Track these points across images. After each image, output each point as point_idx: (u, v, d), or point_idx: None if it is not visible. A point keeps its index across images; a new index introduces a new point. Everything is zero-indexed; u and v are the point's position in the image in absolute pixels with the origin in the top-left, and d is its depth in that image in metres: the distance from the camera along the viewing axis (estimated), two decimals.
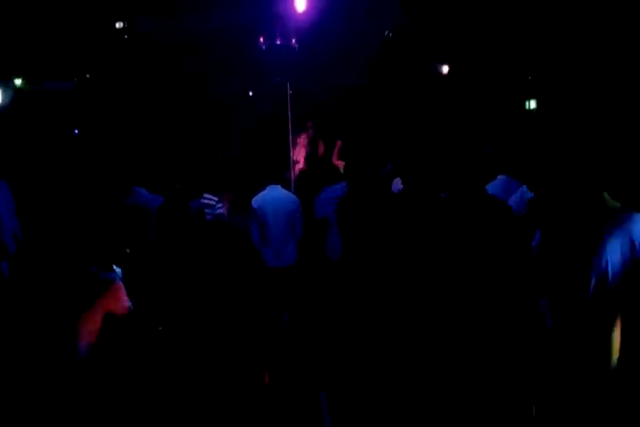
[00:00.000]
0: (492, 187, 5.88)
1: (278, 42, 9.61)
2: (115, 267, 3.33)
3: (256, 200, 5.55)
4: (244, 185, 6.84)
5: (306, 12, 9.20)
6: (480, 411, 3.25)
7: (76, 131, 10.29)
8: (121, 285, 3.21)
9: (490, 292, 3.31)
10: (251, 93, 11.03)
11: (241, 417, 3.44)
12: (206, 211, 5.54)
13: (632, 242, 2.76)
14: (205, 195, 5.69)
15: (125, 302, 3.21)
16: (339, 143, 8.35)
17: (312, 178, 7.22)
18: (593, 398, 2.75)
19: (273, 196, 5.59)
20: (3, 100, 8.77)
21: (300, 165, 8.95)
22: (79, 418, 2.79)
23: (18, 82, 9.38)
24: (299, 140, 9.12)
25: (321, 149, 8.90)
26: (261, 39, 9.58)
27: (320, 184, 6.29)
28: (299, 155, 9.04)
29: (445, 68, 10.45)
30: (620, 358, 2.73)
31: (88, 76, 10.15)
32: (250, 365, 3.82)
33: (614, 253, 2.76)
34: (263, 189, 5.66)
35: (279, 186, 5.69)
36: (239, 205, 5.91)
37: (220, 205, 5.74)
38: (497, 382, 3.25)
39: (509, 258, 3.32)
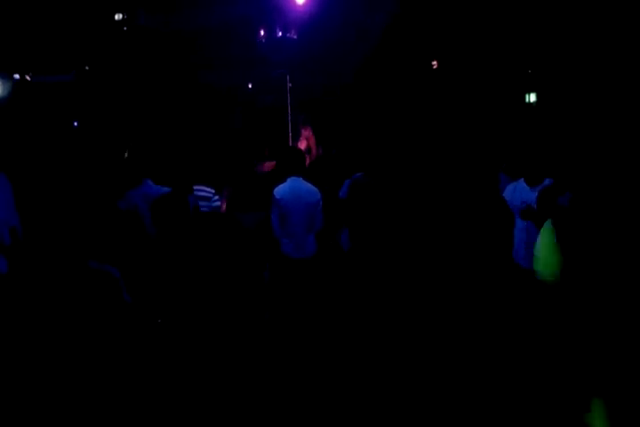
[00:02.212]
0: None
1: (278, 34, 9.59)
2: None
3: (278, 191, 5.52)
4: (247, 179, 6.82)
5: (305, 5, 9.18)
6: None
7: (76, 123, 10.27)
8: (120, 278, 3.23)
9: None
10: (250, 86, 11.01)
11: (241, 410, 3.47)
12: (202, 203, 5.54)
13: None
14: (202, 187, 5.69)
15: (124, 295, 3.24)
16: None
17: (326, 168, 7.23)
18: None
19: (295, 187, 5.57)
20: (2, 92, 8.75)
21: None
22: (82, 411, 2.81)
23: (16, 75, 9.36)
24: (303, 132, 9.11)
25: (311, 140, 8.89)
26: (261, 32, 9.55)
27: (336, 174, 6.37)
28: (301, 146, 9.04)
29: (445, 61, 10.41)
30: None
31: (87, 68, 10.12)
32: (250, 358, 3.85)
33: None
34: (284, 180, 5.63)
35: (300, 178, 5.66)
36: (241, 200, 5.91)
37: (216, 197, 5.74)
38: None
39: None
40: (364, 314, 4.88)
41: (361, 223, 5.46)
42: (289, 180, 5.59)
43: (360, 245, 5.39)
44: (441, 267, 4.55)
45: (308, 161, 8.86)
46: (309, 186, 5.74)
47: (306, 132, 9.01)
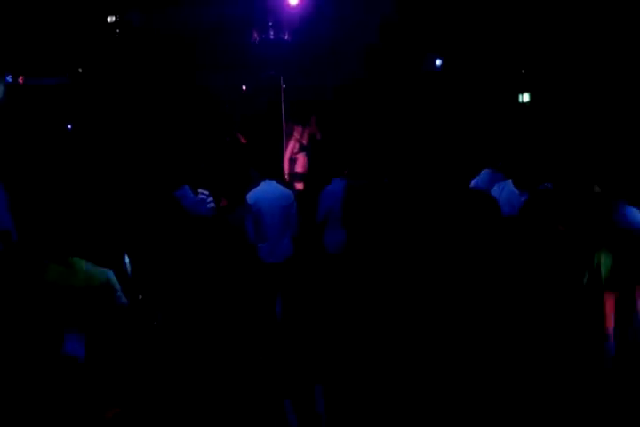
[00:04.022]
0: (478, 181, 5.95)
1: (271, 36, 9.59)
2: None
3: (251, 196, 5.52)
4: (241, 181, 6.85)
5: (298, 6, 9.19)
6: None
7: (69, 126, 10.24)
8: (115, 280, 3.22)
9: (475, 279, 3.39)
10: (244, 88, 10.99)
11: (237, 411, 3.46)
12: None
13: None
14: (198, 190, 5.72)
15: (120, 297, 3.23)
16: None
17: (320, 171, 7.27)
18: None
19: (268, 191, 5.56)
20: None
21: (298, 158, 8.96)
22: (80, 410, 2.80)
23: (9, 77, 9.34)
24: (294, 132, 9.11)
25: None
26: (254, 33, 9.55)
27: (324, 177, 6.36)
28: (294, 148, 9.05)
29: (439, 62, 10.43)
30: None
31: (80, 70, 10.09)
32: (245, 358, 3.84)
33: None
34: (258, 184, 5.63)
35: (274, 181, 5.65)
36: (236, 201, 5.93)
37: (210, 199, 5.76)
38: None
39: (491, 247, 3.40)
40: (357, 317, 4.86)
41: (359, 227, 5.44)
42: (262, 183, 5.59)
43: (357, 248, 5.37)
44: (440, 270, 4.52)
45: (305, 160, 8.88)
46: (282, 189, 5.74)
47: (297, 132, 9.02)
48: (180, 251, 4.65)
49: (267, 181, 5.61)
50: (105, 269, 3.24)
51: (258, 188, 5.58)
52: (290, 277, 5.60)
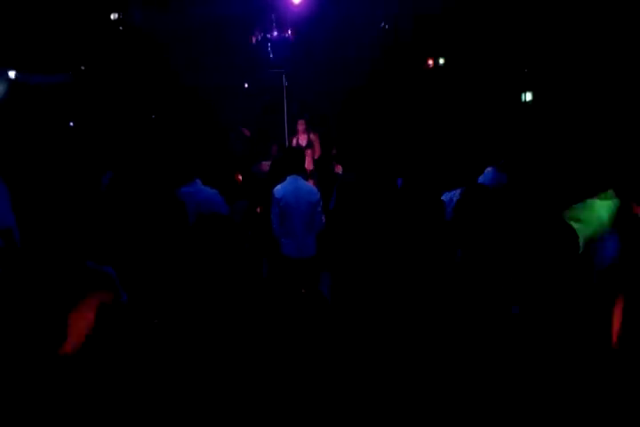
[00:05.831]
0: (483, 179, 5.98)
1: (274, 34, 9.60)
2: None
3: (278, 190, 5.45)
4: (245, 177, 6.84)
5: (301, 5, 9.20)
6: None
7: (72, 123, 10.25)
8: (115, 278, 3.23)
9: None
10: (246, 85, 11.01)
11: (238, 412, 3.46)
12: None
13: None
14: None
15: (120, 295, 3.24)
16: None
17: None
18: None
19: (295, 186, 5.49)
20: None
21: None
22: (72, 411, 2.80)
23: (12, 74, 9.35)
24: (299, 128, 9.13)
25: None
26: (257, 31, 9.56)
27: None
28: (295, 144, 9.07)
29: (442, 61, 10.44)
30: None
31: (83, 68, 10.10)
32: (246, 357, 3.84)
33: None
34: (284, 179, 5.58)
35: (300, 177, 5.60)
36: (238, 195, 5.93)
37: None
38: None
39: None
40: (361, 317, 4.87)
41: (346, 223, 5.43)
42: (288, 179, 5.51)
43: (344, 245, 5.37)
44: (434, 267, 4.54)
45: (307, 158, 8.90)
46: (309, 185, 5.69)
47: (302, 128, 9.03)
48: (184, 248, 4.65)
49: (293, 177, 5.54)
50: (107, 268, 3.25)
51: (284, 183, 5.51)
52: (316, 272, 5.56)
